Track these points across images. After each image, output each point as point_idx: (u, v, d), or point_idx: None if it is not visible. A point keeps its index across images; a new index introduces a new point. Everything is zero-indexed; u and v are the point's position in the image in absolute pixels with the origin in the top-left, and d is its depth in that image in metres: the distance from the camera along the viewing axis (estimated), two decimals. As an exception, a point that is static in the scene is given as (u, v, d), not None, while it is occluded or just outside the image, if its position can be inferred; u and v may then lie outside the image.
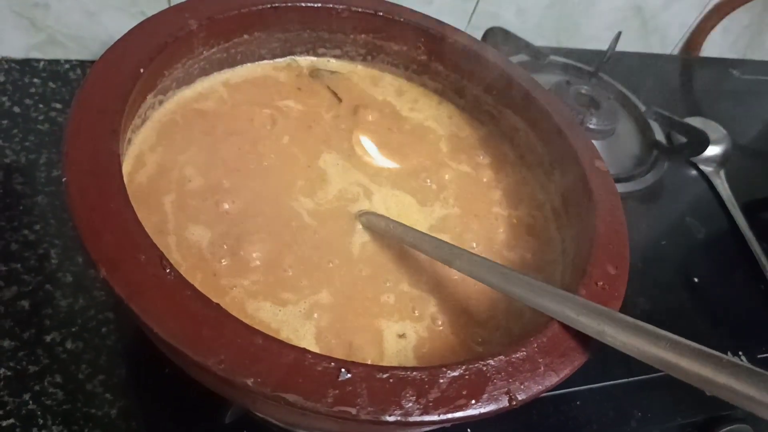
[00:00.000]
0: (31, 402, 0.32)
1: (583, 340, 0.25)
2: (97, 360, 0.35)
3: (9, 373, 0.33)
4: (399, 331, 0.28)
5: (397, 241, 0.32)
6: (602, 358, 0.41)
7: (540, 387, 0.23)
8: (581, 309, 0.25)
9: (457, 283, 0.31)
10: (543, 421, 0.38)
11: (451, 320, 0.29)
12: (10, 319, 0.35)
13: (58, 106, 0.47)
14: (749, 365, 0.21)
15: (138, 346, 0.36)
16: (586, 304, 0.25)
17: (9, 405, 0.32)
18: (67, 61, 0.50)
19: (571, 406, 0.39)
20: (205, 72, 0.34)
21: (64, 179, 0.23)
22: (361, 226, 0.32)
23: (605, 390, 0.41)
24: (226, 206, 0.30)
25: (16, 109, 0.45)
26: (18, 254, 0.37)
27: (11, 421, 0.32)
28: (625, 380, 0.41)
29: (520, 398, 0.23)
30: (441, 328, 0.29)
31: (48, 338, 0.35)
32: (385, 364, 0.26)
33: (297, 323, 0.27)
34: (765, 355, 0.47)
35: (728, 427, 0.42)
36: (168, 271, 0.22)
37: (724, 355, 0.22)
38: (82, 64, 0.50)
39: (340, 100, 0.38)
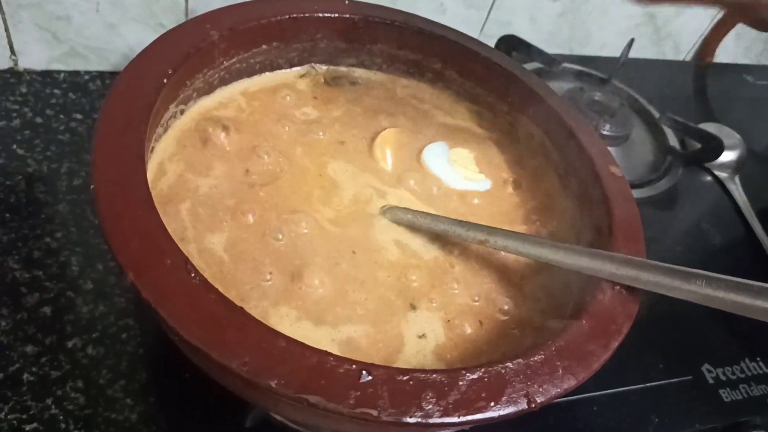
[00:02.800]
0: (53, 407, 0.33)
1: (602, 344, 0.26)
2: (118, 365, 0.35)
3: (32, 378, 0.33)
4: (419, 331, 0.29)
5: (425, 231, 0.32)
6: (619, 364, 0.41)
7: (558, 390, 0.24)
8: (620, 263, 0.27)
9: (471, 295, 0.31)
10: (560, 427, 0.38)
11: (466, 329, 0.30)
12: (33, 325, 0.35)
13: (79, 116, 0.48)
14: None
15: (158, 351, 0.36)
16: (625, 259, 0.28)
17: (32, 409, 0.32)
18: (87, 73, 0.51)
19: (588, 411, 0.39)
20: (225, 82, 0.35)
21: (91, 186, 0.23)
22: (381, 224, 0.33)
23: (622, 395, 0.40)
24: (249, 218, 0.30)
25: (38, 120, 0.46)
26: (40, 262, 0.38)
27: (34, 425, 0.32)
28: (642, 386, 0.41)
29: (538, 400, 0.23)
30: (459, 332, 0.29)
31: (70, 344, 0.35)
32: (403, 364, 0.27)
33: (320, 333, 0.27)
34: (783, 361, 0.47)
35: (747, 434, 0.42)
36: (193, 275, 0.22)
37: (755, 282, 0.24)
38: (102, 75, 0.51)
39: (355, 107, 0.38)
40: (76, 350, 0.35)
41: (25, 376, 0.33)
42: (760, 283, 0.24)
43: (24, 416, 0.32)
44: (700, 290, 0.25)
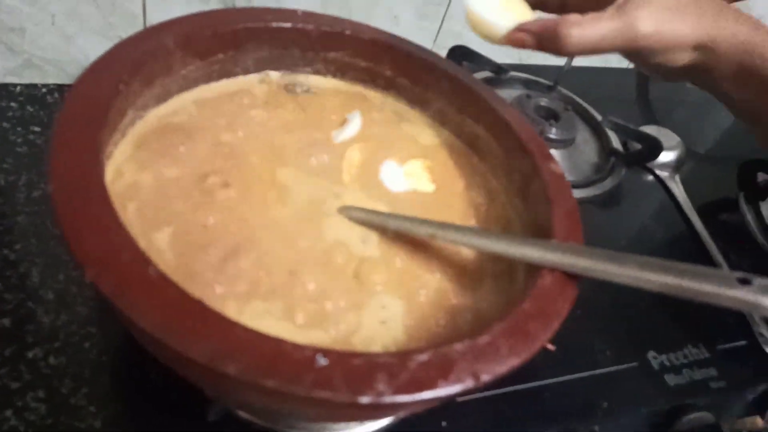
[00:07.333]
0: (13, 418, 0.33)
1: (543, 324, 0.27)
2: (81, 373, 0.35)
3: (-9, 390, 0.33)
4: (382, 318, 0.30)
5: (380, 228, 0.34)
6: (569, 352, 0.43)
7: (503, 368, 0.25)
8: (558, 251, 0.29)
9: (430, 280, 0.33)
10: (515, 414, 0.39)
11: (423, 315, 0.31)
12: (-8, 336, 0.35)
13: (37, 129, 0.47)
14: (703, 267, 0.26)
15: (121, 357, 0.36)
16: (563, 246, 0.30)
17: (-9, 421, 0.32)
18: (44, 85, 0.51)
19: (540, 398, 0.41)
20: (182, 89, 0.36)
21: (50, 187, 0.24)
22: (337, 222, 0.34)
23: (573, 382, 0.42)
24: (202, 220, 0.31)
25: (-6, 133, 0.46)
26: (-2, 273, 0.38)
27: (-7, 437, 0.32)
28: (591, 373, 0.43)
29: (484, 379, 0.24)
30: (416, 323, 0.31)
31: (30, 354, 0.35)
32: (363, 349, 0.28)
33: (281, 326, 0.28)
34: (723, 346, 0.49)
35: (691, 416, 0.44)
36: (150, 270, 0.23)
37: (681, 263, 0.26)
38: (60, 87, 0.51)
39: (308, 113, 0.40)
40: (37, 360, 0.35)
41: (-16, 387, 0.33)
42: (685, 264, 0.26)
43: (-18, 428, 0.32)
44: (632, 273, 0.27)
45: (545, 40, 0.35)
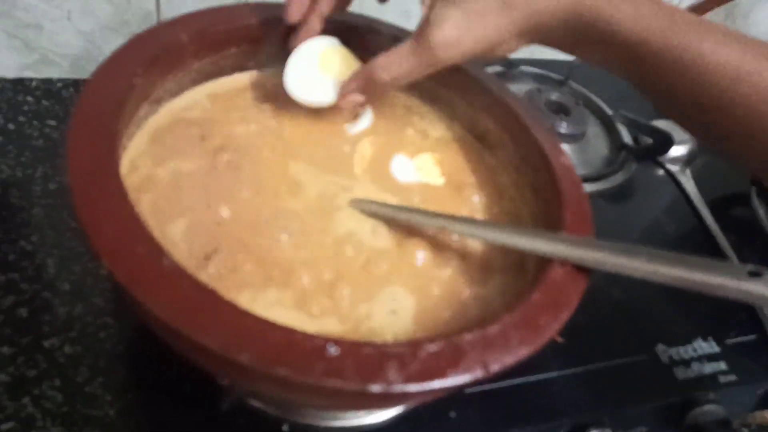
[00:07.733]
0: (30, 405, 0.33)
1: (553, 316, 0.27)
2: (96, 363, 0.36)
3: (8, 379, 0.34)
4: (392, 308, 0.30)
5: (391, 221, 0.34)
6: (578, 345, 0.43)
7: (513, 358, 0.25)
8: (568, 243, 0.29)
9: (434, 275, 0.33)
10: (523, 405, 0.40)
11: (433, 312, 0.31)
12: (9, 326, 0.36)
13: (53, 122, 0.48)
14: (710, 259, 0.26)
15: (136, 347, 0.37)
16: (573, 239, 0.30)
17: (9, 409, 0.33)
18: (60, 80, 0.52)
19: (549, 390, 0.41)
20: (196, 83, 0.36)
21: (68, 179, 0.24)
22: (349, 215, 0.34)
23: (582, 375, 0.42)
24: (217, 213, 0.31)
25: (11, 126, 0.47)
26: (15, 264, 0.39)
27: (11, 424, 0.32)
28: (600, 365, 0.43)
29: (493, 369, 0.25)
30: (427, 315, 0.31)
31: (47, 344, 0.36)
32: (373, 339, 0.28)
33: (293, 316, 0.29)
34: (733, 340, 0.49)
35: (700, 409, 0.44)
36: (165, 260, 0.24)
37: (691, 256, 0.26)
38: (76, 82, 0.52)
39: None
40: (54, 350, 0.36)
41: (2, 376, 0.34)
42: (695, 257, 0.26)
43: (0, 416, 0.32)
44: (642, 265, 0.27)
45: (367, 91, 0.36)
